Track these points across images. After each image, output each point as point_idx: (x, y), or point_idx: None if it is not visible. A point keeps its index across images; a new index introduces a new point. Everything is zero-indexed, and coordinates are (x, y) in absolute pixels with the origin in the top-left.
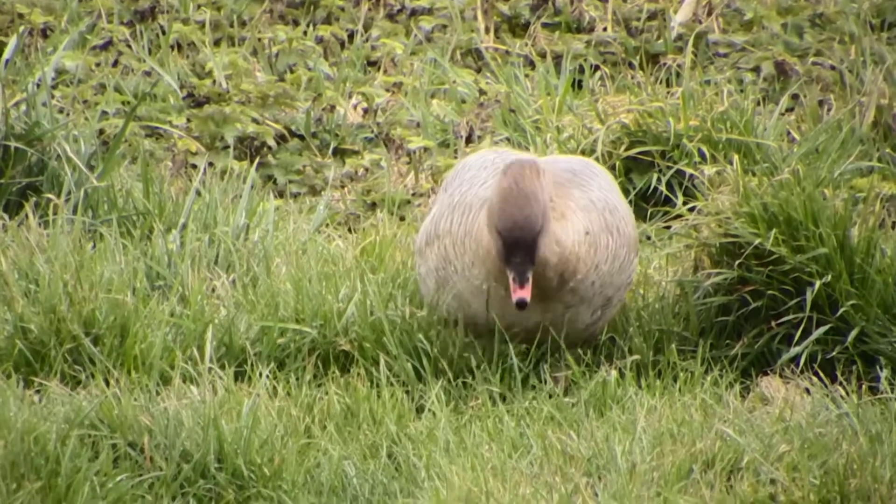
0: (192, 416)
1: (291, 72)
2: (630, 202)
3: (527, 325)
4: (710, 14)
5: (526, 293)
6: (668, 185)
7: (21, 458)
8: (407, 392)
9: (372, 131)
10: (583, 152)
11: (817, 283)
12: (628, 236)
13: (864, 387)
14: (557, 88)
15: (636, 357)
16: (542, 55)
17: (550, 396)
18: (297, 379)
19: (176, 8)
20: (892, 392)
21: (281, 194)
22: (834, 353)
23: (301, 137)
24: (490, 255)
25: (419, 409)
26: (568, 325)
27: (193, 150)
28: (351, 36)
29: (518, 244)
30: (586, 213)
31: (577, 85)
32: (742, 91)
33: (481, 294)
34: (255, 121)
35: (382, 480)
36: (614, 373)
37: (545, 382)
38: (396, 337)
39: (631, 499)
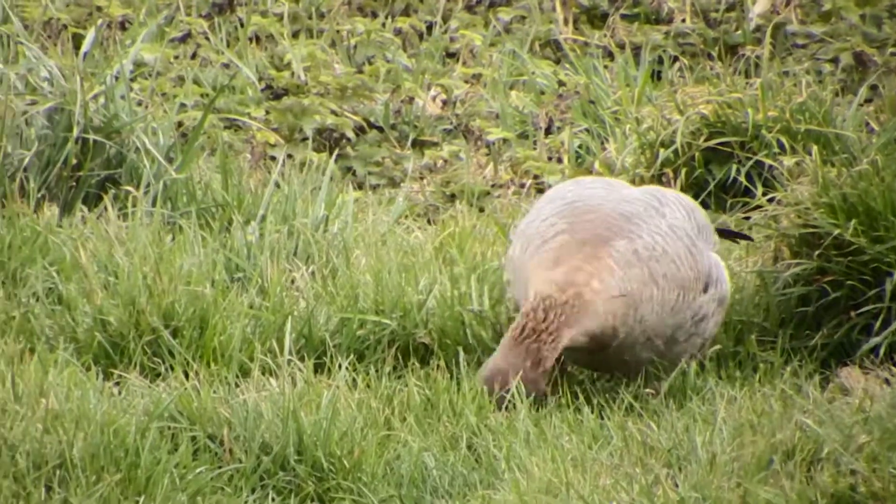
0: (271, 408)
1: (370, 63)
2: (709, 193)
3: (582, 363)
4: (787, 5)
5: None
6: (748, 176)
7: (101, 450)
8: None
9: (451, 123)
10: (662, 144)
11: None
12: (681, 279)
13: None
14: (636, 79)
15: (716, 348)
16: (621, 46)
17: (628, 386)
18: (377, 371)
19: (254, 0)
20: None
21: (360, 186)
22: None
23: (380, 129)
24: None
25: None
26: (631, 363)
27: (272, 141)
28: (429, 27)
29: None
30: (626, 270)
31: (656, 76)
32: (820, 82)
33: None
34: (333, 112)
35: (462, 472)
36: (694, 364)
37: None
38: (475, 329)
39: (711, 490)
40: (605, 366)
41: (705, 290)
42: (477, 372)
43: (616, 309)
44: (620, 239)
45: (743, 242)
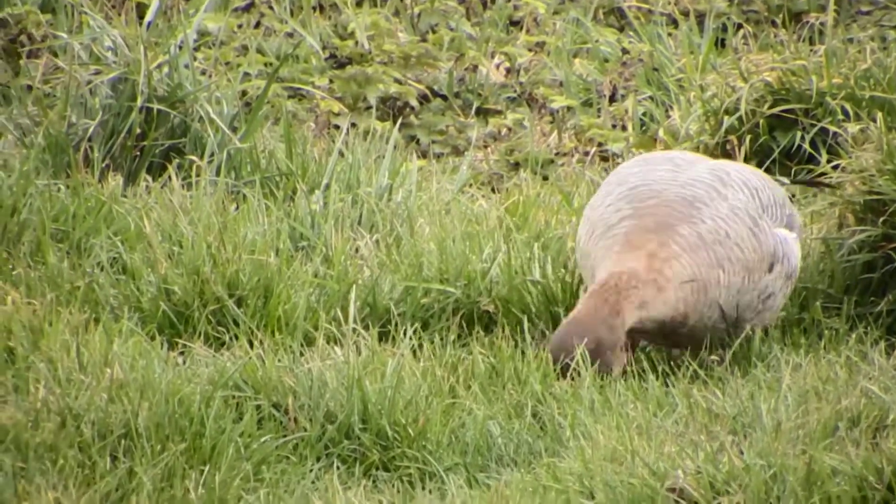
0: (335, 376)
1: (433, 32)
2: (774, 160)
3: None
4: None
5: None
6: (812, 143)
7: (166, 419)
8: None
9: (514, 91)
10: (726, 111)
11: None
12: (745, 261)
13: None
14: (700, 47)
15: (781, 314)
16: (685, 14)
17: (693, 354)
18: (441, 339)
19: None
20: None
21: (424, 154)
22: None
23: (443, 97)
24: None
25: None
26: (699, 340)
27: (336, 110)
28: None
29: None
30: (693, 255)
31: (720, 43)
32: (885, 48)
33: None
34: (397, 81)
35: (527, 440)
36: (759, 331)
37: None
38: (538, 298)
39: (777, 456)
40: (673, 343)
41: (770, 269)
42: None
43: (686, 295)
44: (684, 224)
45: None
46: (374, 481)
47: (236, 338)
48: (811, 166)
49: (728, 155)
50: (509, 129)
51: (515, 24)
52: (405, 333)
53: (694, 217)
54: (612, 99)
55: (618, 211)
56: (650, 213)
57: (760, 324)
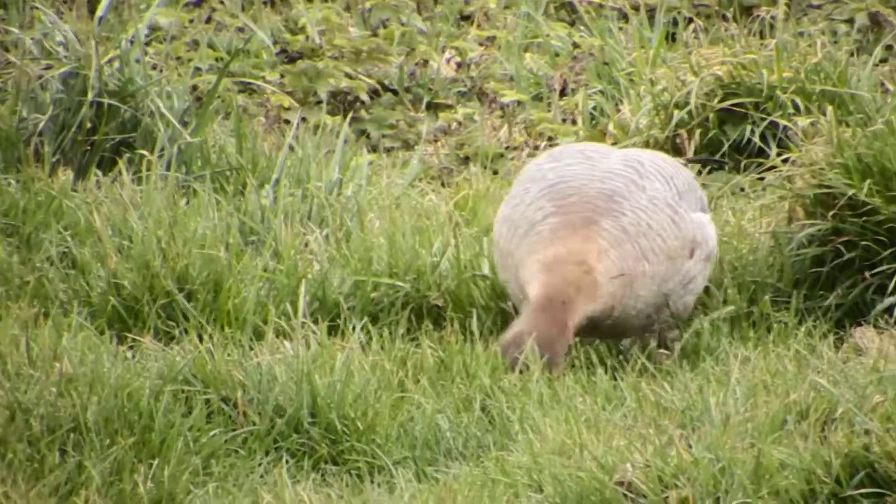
0: (285, 370)
1: (384, 27)
2: (724, 154)
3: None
4: None
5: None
6: (762, 137)
7: (115, 413)
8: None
9: (465, 85)
10: (676, 105)
11: None
12: (668, 249)
13: None
14: (651, 41)
15: (730, 308)
16: (636, 8)
17: (642, 348)
18: (391, 333)
19: None
20: None
21: (374, 149)
22: None
23: (394, 92)
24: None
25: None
26: (624, 332)
27: (286, 105)
28: None
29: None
30: (619, 249)
31: (671, 38)
32: (836, 42)
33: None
34: (348, 76)
35: (476, 433)
36: (708, 324)
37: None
38: (487, 292)
39: (725, 450)
40: (593, 334)
41: (691, 254)
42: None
43: (615, 289)
44: (607, 218)
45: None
46: (322, 475)
47: (186, 332)
48: (761, 160)
49: (678, 149)
50: (459, 124)
51: (466, 18)
52: (354, 328)
53: (615, 211)
54: (562, 93)
55: (540, 209)
56: (573, 210)
57: (684, 308)
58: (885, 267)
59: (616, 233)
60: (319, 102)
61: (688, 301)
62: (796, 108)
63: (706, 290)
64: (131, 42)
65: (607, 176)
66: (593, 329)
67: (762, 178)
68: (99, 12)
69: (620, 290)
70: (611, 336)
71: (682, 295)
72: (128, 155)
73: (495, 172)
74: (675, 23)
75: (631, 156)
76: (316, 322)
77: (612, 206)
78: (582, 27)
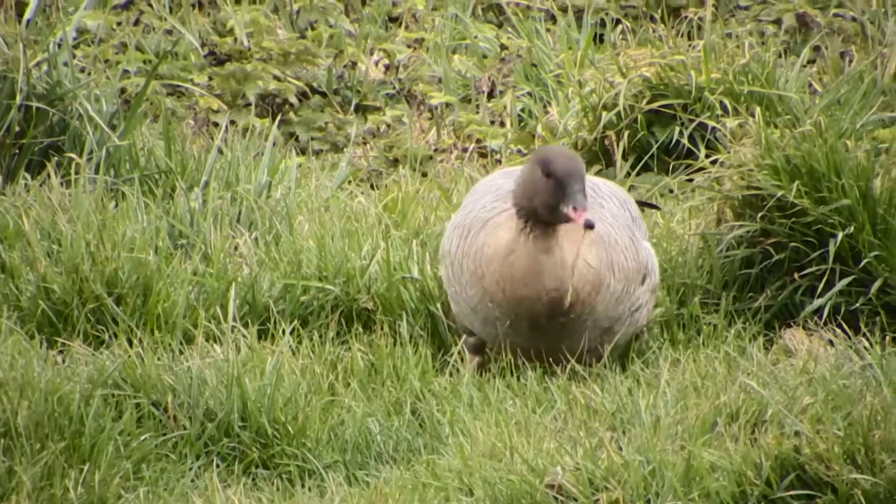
0: (215, 374)
1: (313, 29)
2: (652, 156)
3: (522, 345)
4: None
5: (589, 214)
6: (691, 139)
7: (45, 418)
8: (439, 349)
9: (394, 87)
10: (605, 107)
11: (840, 235)
12: (627, 269)
13: (887, 338)
14: (579, 43)
15: (660, 311)
16: (564, 9)
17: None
18: (321, 336)
19: None
20: None
21: (303, 151)
22: (857, 305)
23: (323, 94)
24: (486, 275)
25: (441, 367)
26: (568, 349)
27: (215, 107)
28: None
29: (572, 174)
30: (597, 249)
31: (599, 39)
32: (763, 43)
33: (476, 315)
34: (276, 78)
35: (406, 437)
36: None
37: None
38: (416, 295)
39: (655, 452)
40: (542, 349)
41: (643, 281)
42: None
43: (588, 281)
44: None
45: (686, 203)
46: (253, 479)
47: (116, 336)
48: (690, 161)
49: (606, 151)
50: (388, 126)
51: (394, 20)
52: (284, 331)
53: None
54: (490, 95)
55: (493, 209)
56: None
57: (625, 339)
58: (813, 268)
59: (593, 235)
60: (248, 105)
61: (628, 333)
62: (724, 109)
63: None
64: (59, 45)
65: None
66: (543, 325)
67: (691, 180)
68: (27, 15)
69: (587, 291)
70: (550, 351)
71: (627, 324)
72: (56, 158)
73: (424, 174)
74: (603, 24)
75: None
76: (246, 326)
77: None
78: (510, 29)
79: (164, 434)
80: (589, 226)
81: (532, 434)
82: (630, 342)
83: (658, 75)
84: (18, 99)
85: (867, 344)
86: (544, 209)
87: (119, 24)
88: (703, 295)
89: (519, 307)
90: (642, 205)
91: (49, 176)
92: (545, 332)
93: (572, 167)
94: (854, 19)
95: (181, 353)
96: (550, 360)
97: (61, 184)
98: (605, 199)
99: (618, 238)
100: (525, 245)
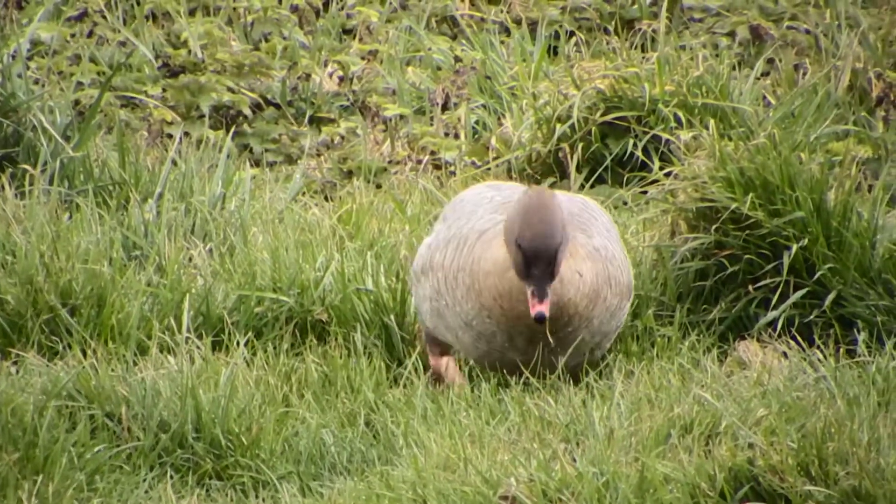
0: (169, 386)
1: (267, 41)
2: (606, 168)
3: (513, 359)
4: None
5: (545, 308)
6: (645, 151)
7: None
8: (393, 360)
9: (348, 99)
10: (559, 119)
11: (794, 247)
12: (623, 285)
13: (841, 350)
14: (533, 55)
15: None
16: (518, 22)
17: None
18: (275, 348)
19: None
20: (870, 355)
21: (257, 163)
22: (811, 317)
23: (277, 106)
24: (483, 291)
25: (395, 379)
26: (559, 362)
27: (169, 119)
28: (326, 4)
29: (539, 255)
30: (592, 263)
31: (553, 51)
32: (717, 56)
33: (470, 329)
34: (230, 90)
35: (360, 448)
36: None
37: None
38: (370, 307)
39: (609, 464)
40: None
41: (629, 296)
42: None
43: (584, 295)
44: (578, 232)
45: (640, 216)
46: (207, 490)
47: (69, 347)
48: (644, 174)
49: (560, 163)
50: (342, 138)
51: (348, 32)
52: (239, 343)
53: (585, 229)
54: (444, 107)
55: (491, 219)
56: None
57: (602, 357)
58: (768, 280)
59: (588, 247)
60: (202, 117)
61: (604, 346)
62: (678, 121)
63: None
64: (13, 56)
65: (565, 199)
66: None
67: (645, 192)
68: None
69: (584, 305)
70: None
71: (610, 339)
72: (10, 169)
73: (378, 186)
74: (557, 36)
75: (567, 195)
76: (200, 337)
77: (582, 224)
78: (464, 41)
79: (118, 445)
80: (538, 319)
81: (486, 446)
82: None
83: (612, 87)
84: None
85: (821, 356)
86: (516, 272)
87: (73, 35)
88: (658, 307)
89: (518, 322)
90: None
91: (3, 187)
92: (541, 346)
93: (540, 247)
94: (808, 32)
95: (135, 364)
96: (547, 371)
97: (15, 195)
98: (598, 213)
99: (615, 252)
100: None
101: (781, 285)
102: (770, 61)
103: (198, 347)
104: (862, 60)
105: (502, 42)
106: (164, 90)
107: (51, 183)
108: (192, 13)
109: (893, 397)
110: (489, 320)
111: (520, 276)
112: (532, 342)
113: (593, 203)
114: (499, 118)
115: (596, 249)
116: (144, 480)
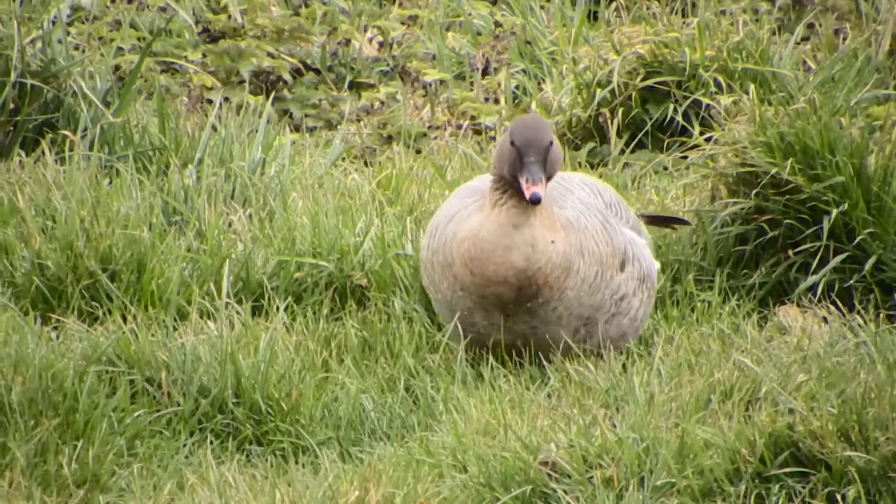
0: (209, 351)
1: (306, 6)
2: (646, 133)
3: (497, 338)
4: None
5: (540, 189)
6: (685, 116)
7: (39, 395)
8: (433, 324)
9: (387, 64)
10: (599, 84)
11: (834, 212)
12: (599, 254)
13: (881, 315)
14: (573, 20)
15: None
16: None
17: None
18: (315, 313)
19: None
20: None
21: (297, 129)
22: (851, 282)
23: (317, 71)
24: (455, 261)
25: (435, 344)
26: (551, 342)
27: (209, 85)
28: None
29: (530, 145)
30: (566, 233)
31: (593, 16)
32: (757, 21)
33: (453, 312)
34: (270, 55)
35: (400, 414)
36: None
37: None
38: (410, 272)
39: (649, 430)
40: (519, 342)
41: (622, 267)
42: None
43: (555, 265)
44: (553, 205)
45: (680, 181)
46: (247, 455)
47: (110, 312)
48: (684, 139)
49: (601, 128)
50: (382, 103)
51: None
52: (278, 308)
53: (559, 201)
54: (484, 72)
55: (460, 204)
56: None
57: (618, 331)
58: (807, 245)
59: (562, 219)
60: (242, 82)
61: (622, 324)
62: (718, 86)
63: None
64: (53, 22)
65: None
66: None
67: (685, 157)
68: None
69: (554, 276)
70: (533, 340)
71: (613, 313)
72: (50, 135)
73: (418, 151)
74: (597, 1)
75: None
76: (240, 302)
77: (555, 198)
78: (504, 6)
79: (158, 410)
80: (533, 200)
81: (526, 411)
82: (627, 335)
83: (652, 52)
84: (13, 76)
85: (861, 321)
86: (511, 178)
87: (113, 1)
88: (698, 272)
89: (487, 290)
90: (669, 221)
91: (43, 153)
92: (519, 321)
93: (531, 137)
94: None
95: (175, 329)
96: (539, 353)
97: (55, 161)
98: (576, 186)
99: (587, 223)
100: (497, 217)
101: (821, 250)
102: (810, 26)
103: (237, 313)
104: None
105: (542, 7)
106: (203, 55)
107: (91, 148)
108: None
109: None
110: (461, 293)
111: (515, 172)
112: (507, 316)
113: (579, 177)
114: (539, 83)
115: (568, 220)
116: (185, 446)
